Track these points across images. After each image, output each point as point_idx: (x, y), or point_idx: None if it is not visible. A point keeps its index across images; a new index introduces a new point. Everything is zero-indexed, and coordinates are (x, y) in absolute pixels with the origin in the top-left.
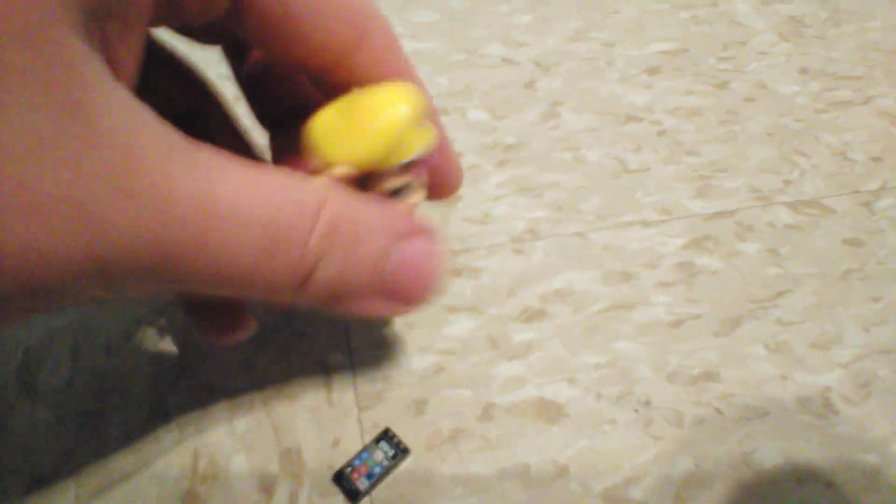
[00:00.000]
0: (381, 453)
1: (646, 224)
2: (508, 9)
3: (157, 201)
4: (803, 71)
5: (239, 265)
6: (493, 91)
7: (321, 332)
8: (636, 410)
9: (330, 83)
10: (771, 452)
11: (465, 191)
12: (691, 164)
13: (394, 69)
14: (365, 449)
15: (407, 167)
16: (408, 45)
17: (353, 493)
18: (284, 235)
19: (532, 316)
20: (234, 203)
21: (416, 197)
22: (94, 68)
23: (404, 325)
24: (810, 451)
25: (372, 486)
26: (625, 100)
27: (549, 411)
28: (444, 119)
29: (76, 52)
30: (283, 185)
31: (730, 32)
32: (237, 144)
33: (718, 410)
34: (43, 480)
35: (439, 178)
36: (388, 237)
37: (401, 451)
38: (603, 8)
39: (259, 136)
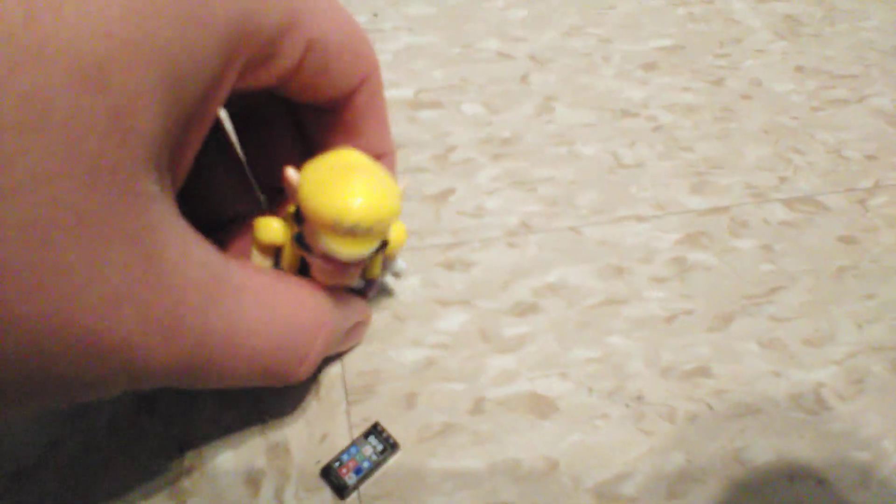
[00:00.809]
0: (370, 448)
1: (640, 219)
2: (504, 3)
3: (196, 335)
4: (799, 69)
5: (240, 381)
6: (488, 85)
7: None
8: (628, 405)
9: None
10: (763, 449)
11: (459, 184)
12: (686, 160)
13: (378, 112)
14: (353, 444)
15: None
16: (404, 39)
17: (340, 488)
18: (285, 358)
19: (525, 310)
20: (251, 332)
21: (376, 272)
22: (162, 208)
23: (395, 319)
24: (802, 447)
25: (360, 481)
26: (620, 95)
27: (540, 406)
28: (439, 112)
29: (149, 193)
30: (291, 313)
31: (726, 30)
32: (236, 176)
33: (711, 406)
34: (26, 472)
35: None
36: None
37: (390, 446)
38: (599, 4)
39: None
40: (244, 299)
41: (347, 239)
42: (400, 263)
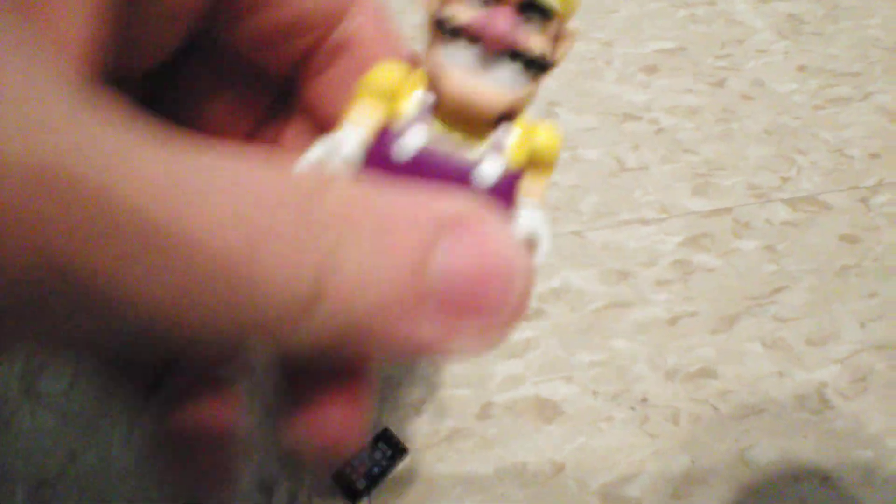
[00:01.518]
0: (380, 453)
1: (644, 222)
2: None
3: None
4: (801, 68)
5: (206, 274)
6: None
7: None
8: (633, 408)
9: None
10: (767, 449)
11: None
12: (689, 162)
13: (383, 35)
14: (363, 449)
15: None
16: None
17: (352, 493)
18: (268, 228)
19: (530, 315)
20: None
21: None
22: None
23: None
24: (807, 447)
25: (371, 486)
26: (622, 99)
27: (546, 410)
28: None
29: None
30: (265, 172)
31: (728, 30)
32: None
33: (715, 407)
34: (49, 482)
35: None
36: (431, 224)
37: (399, 451)
38: (601, 7)
39: None
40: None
41: None
42: (544, 233)
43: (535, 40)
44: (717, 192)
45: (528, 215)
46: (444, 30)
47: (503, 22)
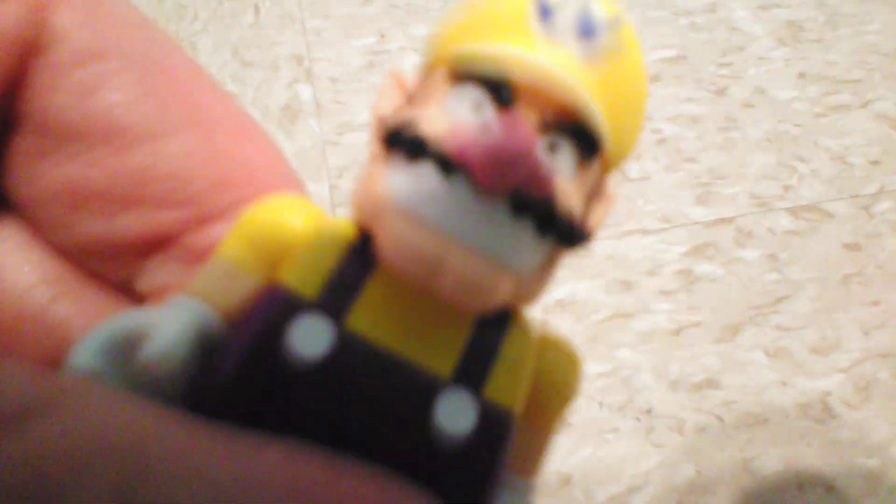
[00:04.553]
0: None
1: (646, 232)
2: None
3: None
4: (802, 76)
5: None
6: None
7: None
8: (638, 419)
9: None
10: (772, 458)
11: None
12: (691, 171)
13: None
14: None
15: None
16: (411, 59)
17: None
18: None
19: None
20: None
21: None
22: None
23: None
24: (811, 456)
25: None
26: None
27: None
28: None
29: None
30: None
31: (728, 38)
32: None
33: (719, 417)
34: None
35: None
36: None
37: None
38: None
39: None
40: None
41: (561, 42)
42: None
43: (564, 189)
44: (720, 202)
45: None
46: (400, 144)
47: (516, 141)
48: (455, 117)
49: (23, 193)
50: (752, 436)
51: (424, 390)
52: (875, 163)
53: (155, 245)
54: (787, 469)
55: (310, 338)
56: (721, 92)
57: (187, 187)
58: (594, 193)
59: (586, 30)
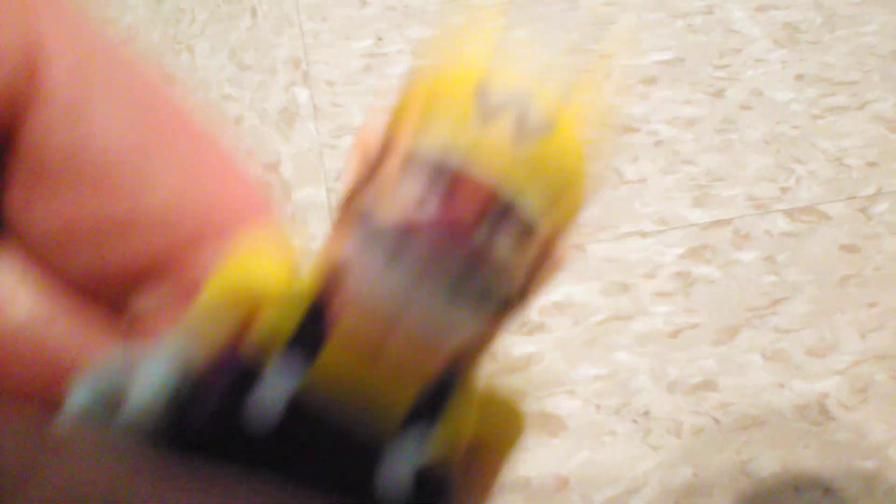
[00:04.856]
0: None
1: (644, 235)
2: (505, 23)
3: None
4: (799, 77)
5: None
6: None
7: None
8: (635, 421)
9: None
10: (769, 460)
11: None
12: (688, 173)
13: None
14: None
15: None
16: (408, 62)
17: None
18: None
19: (532, 329)
20: None
21: None
22: None
23: None
24: (808, 458)
25: None
26: (621, 111)
27: (549, 424)
28: None
29: None
30: None
31: (726, 40)
32: None
33: (716, 419)
34: None
35: None
36: None
37: None
38: (599, 19)
39: None
40: None
41: (502, 138)
42: None
43: (504, 263)
44: (717, 204)
45: None
46: (364, 219)
47: (457, 226)
48: (404, 205)
49: (19, 223)
50: (749, 438)
51: (368, 446)
52: (872, 164)
53: (145, 272)
54: (785, 471)
55: (263, 408)
56: (718, 94)
57: (172, 218)
58: (542, 258)
59: (522, 129)
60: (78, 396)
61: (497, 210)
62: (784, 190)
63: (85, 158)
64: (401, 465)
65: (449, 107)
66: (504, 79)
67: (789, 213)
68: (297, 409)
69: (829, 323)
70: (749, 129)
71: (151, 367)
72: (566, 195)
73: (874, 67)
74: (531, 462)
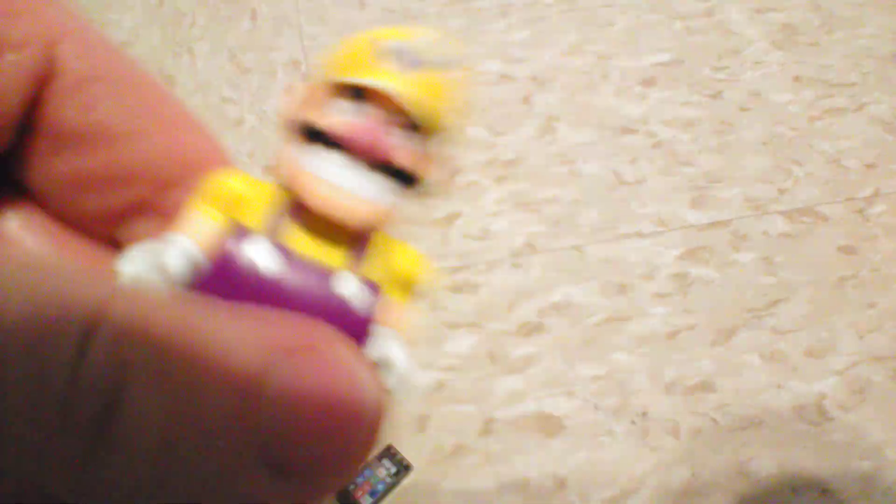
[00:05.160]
0: (384, 470)
1: (642, 236)
2: (506, 25)
3: None
4: (797, 79)
5: None
6: (491, 107)
7: None
8: (633, 422)
9: None
10: (766, 461)
11: (464, 207)
12: (686, 174)
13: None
14: (367, 466)
15: None
16: None
17: None
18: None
19: (531, 330)
20: None
21: None
22: None
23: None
24: (805, 458)
25: (375, 503)
26: (620, 112)
27: (548, 424)
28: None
29: None
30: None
31: (724, 42)
32: None
33: (714, 420)
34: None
35: None
36: (267, 349)
37: (403, 468)
38: (598, 20)
39: None
40: None
41: (389, 68)
42: (399, 362)
43: (402, 152)
44: (715, 205)
45: (381, 343)
46: (306, 133)
47: (371, 129)
48: (337, 117)
49: (38, 182)
50: (746, 438)
51: (324, 280)
52: (870, 166)
53: (135, 209)
54: (782, 471)
55: (260, 251)
56: (716, 95)
57: (155, 167)
58: (433, 157)
59: (406, 62)
60: (132, 263)
61: (392, 109)
62: (782, 191)
63: (91, 122)
64: (346, 285)
65: (361, 58)
66: (392, 35)
67: (787, 215)
68: (282, 252)
69: (827, 324)
70: (747, 131)
71: (177, 249)
72: (439, 106)
73: (872, 69)
74: (530, 463)
